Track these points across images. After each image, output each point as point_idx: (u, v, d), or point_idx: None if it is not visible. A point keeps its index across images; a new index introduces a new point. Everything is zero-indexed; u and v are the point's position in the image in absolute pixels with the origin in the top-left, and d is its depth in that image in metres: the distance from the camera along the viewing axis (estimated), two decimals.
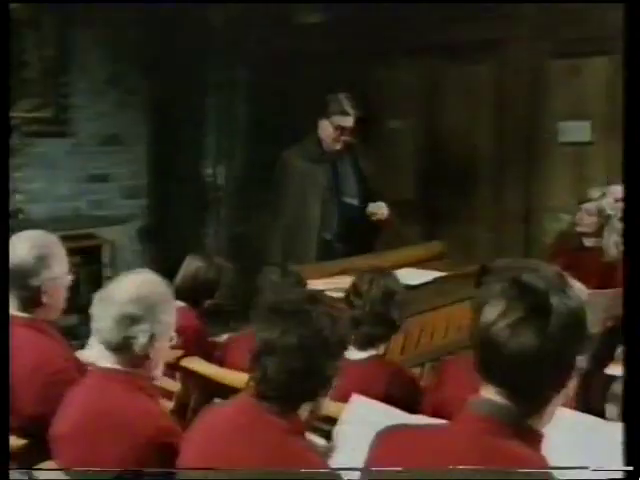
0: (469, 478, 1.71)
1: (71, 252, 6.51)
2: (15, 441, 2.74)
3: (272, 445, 2.05)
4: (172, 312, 2.53)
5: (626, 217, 2.42)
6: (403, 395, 3.05)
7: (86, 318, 2.78)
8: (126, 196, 7.23)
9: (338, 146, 4.91)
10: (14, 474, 2.48)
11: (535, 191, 6.25)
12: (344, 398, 3.01)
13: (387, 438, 1.91)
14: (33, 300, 2.91)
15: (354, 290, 3.21)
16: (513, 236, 6.31)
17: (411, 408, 2.96)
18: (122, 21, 6.85)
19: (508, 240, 6.32)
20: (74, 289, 6.72)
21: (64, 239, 6.50)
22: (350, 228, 4.94)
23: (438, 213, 6.55)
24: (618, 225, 4.76)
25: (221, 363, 3.54)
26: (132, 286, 2.49)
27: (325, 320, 2.15)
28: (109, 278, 2.96)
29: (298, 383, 2.11)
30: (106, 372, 2.48)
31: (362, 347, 3.14)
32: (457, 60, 6.51)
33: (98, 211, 7.02)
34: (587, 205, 4.78)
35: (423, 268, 4.85)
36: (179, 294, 3.86)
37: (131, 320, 2.44)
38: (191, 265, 4.01)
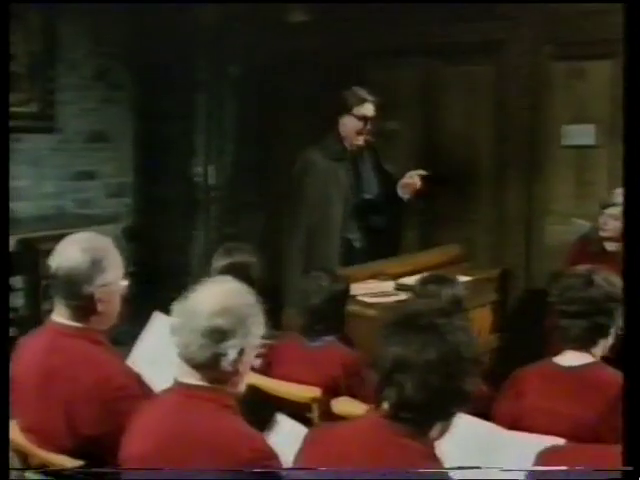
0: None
1: None
2: (69, 462, 2.50)
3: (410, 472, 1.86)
4: (262, 324, 2.30)
5: (626, 216, 2.43)
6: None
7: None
8: (112, 195, 6.93)
9: (361, 140, 4.75)
10: (14, 474, 2.38)
11: (537, 194, 6.11)
12: None
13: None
14: (87, 309, 2.63)
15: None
16: (515, 239, 6.18)
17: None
18: (110, 16, 6.57)
19: (509, 243, 6.18)
20: None
21: (52, 239, 6.23)
22: (371, 228, 4.78)
23: (438, 216, 6.38)
24: None
25: (265, 374, 3.33)
26: (220, 296, 2.24)
27: (461, 334, 1.97)
28: None
29: (437, 402, 1.93)
30: (190, 389, 2.23)
31: None
32: (457, 61, 6.35)
33: (84, 210, 6.71)
34: (611, 209, 4.66)
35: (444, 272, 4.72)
36: None
37: (221, 334, 2.19)
38: (221, 263, 3.68)
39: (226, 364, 2.20)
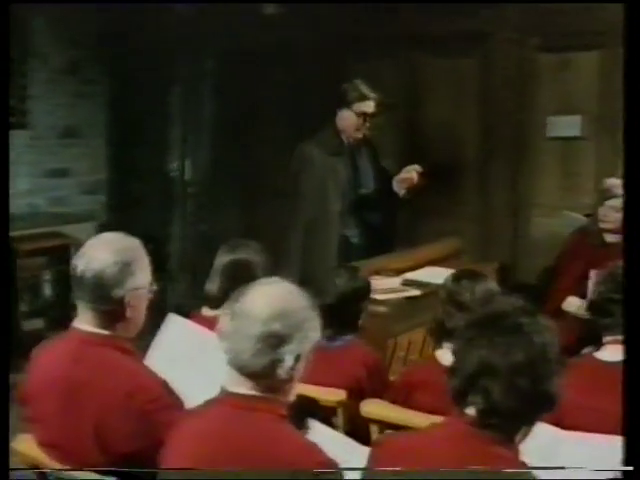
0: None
1: (36, 252, 6.02)
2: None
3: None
4: (319, 328, 2.13)
5: (626, 215, 2.40)
6: None
7: (52, 322, 2.39)
8: (87, 192, 6.68)
9: (360, 134, 4.61)
10: (14, 474, 2.28)
11: (523, 186, 6.03)
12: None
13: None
14: (115, 315, 2.42)
15: (450, 299, 2.88)
16: (501, 231, 6.09)
17: None
18: (83, 9, 6.32)
19: (496, 236, 6.09)
20: (38, 291, 6.21)
21: (29, 238, 5.98)
22: (368, 223, 4.64)
23: (424, 208, 6.25)
24: None
25: None
26: (275, 299, 2.06)
27: (547, 334, 1.85)
28: None
29: (525, 406, 1.81)
30: (241, 399, 2.05)
31: None
32: (442, 53, 6.22)
33: (58, 208, 6.46)
34: (612, 201, 4.57)
35: (442, 266, 4.61)
36: (216, 300, 3.44)
37: (278, 340, 2.02)
38: (224, 260, 3.46)
39: (282, 371, 2.03)
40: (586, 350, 4.29)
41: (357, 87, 4.60)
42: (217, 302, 3.37)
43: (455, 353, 1.92)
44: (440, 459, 1.83)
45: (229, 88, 6.82)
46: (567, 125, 5.86)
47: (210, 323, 3.26)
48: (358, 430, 2.90)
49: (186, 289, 6.76)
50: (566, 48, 5.83)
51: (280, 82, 6.68)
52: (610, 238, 4.60)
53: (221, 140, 6.92)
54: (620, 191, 4.59)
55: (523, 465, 1.83)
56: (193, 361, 2.92)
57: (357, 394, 3.05)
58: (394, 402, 2.90)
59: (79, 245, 6.39)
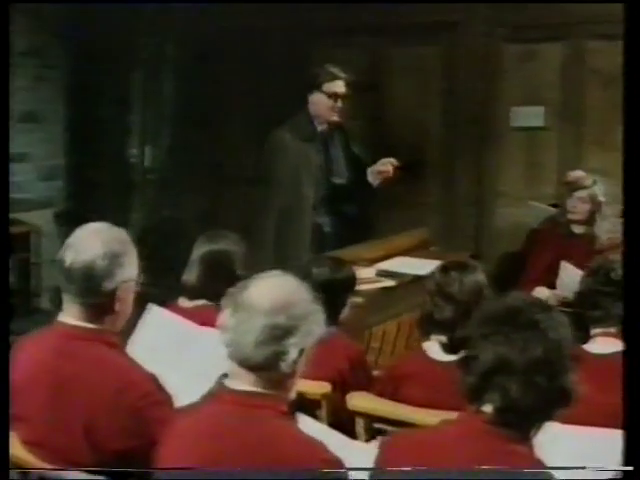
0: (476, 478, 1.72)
1: None
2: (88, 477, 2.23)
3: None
4: (322, 322, 2.08)
5: (626, 215, 2.31)
6: None
7: (13, 311, 2.30)
8: (45, 178, 6.49)
9: (334, 116, 4.54)
10: (14, 474, 2.21)
11: (487, 176, 6.04)
12: (442, 401, 2.70)
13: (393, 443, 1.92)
14: (103, 308, 2.33)
15: (439, 291, 2.84)
16: (464, 221, 6.09)
17: None
18: None
19: (459, 225, 6.09)
20: None
21: None
22: (341, 213, 4.59)
23: (388, 198, 6.22)
24: (608, 212, 4.61)
25: None
26: (279, 291, 2.01)
27: (562, 329, 1.83)
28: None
29: (542, 403, 1.80)
30: (242, 396, 1.98)
31: (453, 349, 2.80)
32: (407, 42, 6.18)
33: (15, 194, 6.27)
34: (580, 192, 4.59)
35: (411, 256, 4.58)
36: (193, 291, 3.36)
37: (283, 332, 1.96)
38: (202, 250, 3.37)
39: (285, 365, 1.97)
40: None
41: (327, 69, 4.53)
42: (195, 293, 3.31)
43: (468, 349, 1.88)
44: (456, 457, 1.79)
45: (190, 73, 6.71)
46: (531, 115, 5.89)
47: (188, 314, 3.19)
48: (342, 423, 2.85)
49: (147, 277, 6.62)
50: (531, 39, 5.85)
51: (243, 68, 6.59)
52: (578, 229, 4.63)
53: (182, 126, 6.79)
54: (588, 182, 4.63)
55: (539, 462, 1.81)
56: (175, 353, 2.85)
57: (340, 387, 2.99)
58: (381, 395, 2.85)
59: (39, 232, 6.28)
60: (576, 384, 1.84)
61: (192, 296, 3.31)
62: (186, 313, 3.18)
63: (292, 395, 2.08)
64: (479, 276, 2.88)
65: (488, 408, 1.82)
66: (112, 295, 2.32)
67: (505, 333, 1.81)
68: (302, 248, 4.31)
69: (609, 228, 4.57)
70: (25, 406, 2.33)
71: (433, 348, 2.84)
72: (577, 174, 5.35)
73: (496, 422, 1.79)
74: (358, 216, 4.70)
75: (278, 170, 4.49)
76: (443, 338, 2.81)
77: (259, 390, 1.98)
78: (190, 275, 3.33)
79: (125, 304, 2.39)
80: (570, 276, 4.31)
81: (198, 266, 3.33)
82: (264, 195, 4.57)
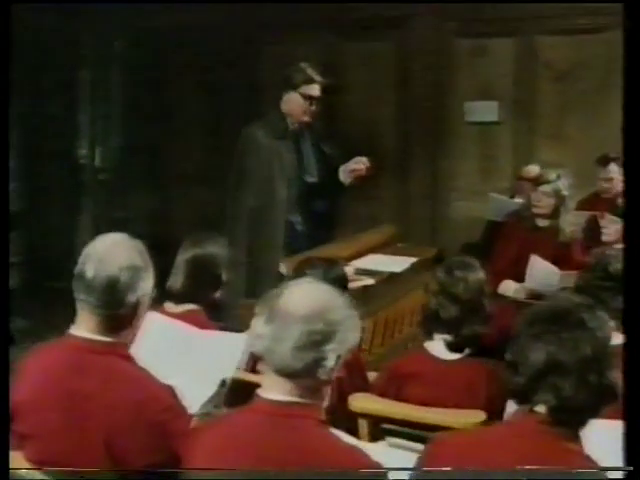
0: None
1: None
2: None
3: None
4: (358, 328, 2.05)
5: (626, 215, 2.31)
6: (501, 393, 2.77)
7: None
8: None
9: (307, 118, 4.49)
10: (14, 474, 2.14)
11: (442, 171, 6.07)
12: (447, 400, 2.70)
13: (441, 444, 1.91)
14: (123, 320, 2.24)
15: (443, 290, 2.83)
16: (420, 216, 6.11)
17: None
18: None
19: (415, 220, 6.11)
20: None
21: None
22: (312, 209, 4.55)
23: (343, 193, 6.21)
24: (572, 205, 4.68)
25: None
26: (315, 299, 1.96)
27: (606, 327, 1.85)
28: None
29: (594, 400, 1.81)
30: (279, 406, 1.93)
31: (458, 348, 2.80)
32: (357, 37, 6.17)
33: None
34: (544, 187, 4.63)
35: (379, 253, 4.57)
36: (179, 296, 3.29)
37: (321, 338, 1.92)
38: (187, 254, 3.30)
39: (323, 371, 1.93)
40: None
41: (303, 70, 4.48)
42: (181, 297, 3.24)
43: (516, 350, 1.88)
44: (511, 457, 1.79)
45: (139, 71, 6.58)
46: (485, 110, 5.93)
47: (176, 319, 3.13)
48: (339, 426, 2.82)
49: None
50: (483, 34, 5.90)
51: (193, 65, 6.49)
52: (542, 222, 4.66)
53: (132, 125, 6.65)
54: (552, 177, 4.68)
55: (590, 459, 1.82)
56: (178, 357, 2.79)
57: (338, 392, 2.97)
58: (384, 395, 2.83)
59: None
60: (619, 380, 1.86)
61: (178, 301, 3.24)
62: (174, 318, 3.12)
63: (326, 403, 2.04)
64: (480, 274, 2.88)
65: (541, 408, 1.82)
66: (133, 308, 2.25)
67: (555, 333, 1.82)
68: (276, 246, 4.25)
69: (573, 221, 4.64)
70: (37, 424, 2.23)
71: (437, 347, 2.82)
72: (531, 168, 5.45)
73: (550, 421, 1.80)
74: (329, 214, 4.67)
75: (251, 167, 4.43)
76: (448, 337, 2.80)
77: (296, 399, 1.94)
78: (175, 280, 3.26)
79: (142, 317, 2.33)
80: (540, 269, 4.37)
81: (183, 270, 3.26)
82: (236, 192, 4.50)
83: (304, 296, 1.97)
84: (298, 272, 3.18)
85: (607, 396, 1.84)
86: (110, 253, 2.23)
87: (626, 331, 2.01)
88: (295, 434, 1.92)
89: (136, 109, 6.63)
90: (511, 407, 2.49)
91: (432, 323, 2.84)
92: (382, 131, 6.24)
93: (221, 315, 3.45)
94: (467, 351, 2.82)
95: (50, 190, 6.44)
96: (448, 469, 1.86)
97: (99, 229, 6.54)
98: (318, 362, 1.91)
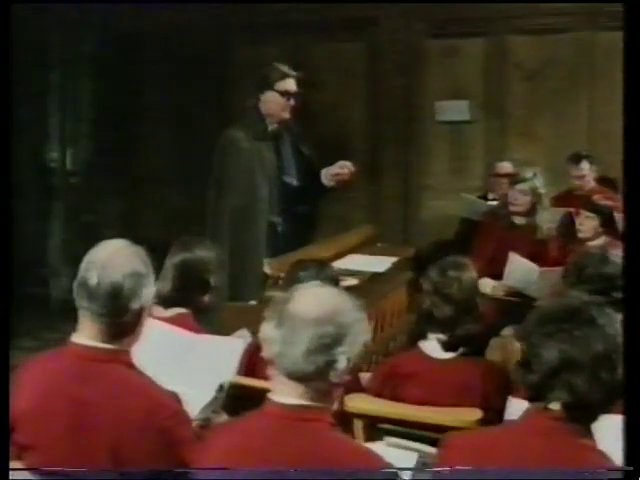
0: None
1: None
2: None
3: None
4: (368, 331, 2.05)
5: (627, 216, 2.38)
6: (497, 391, 2.80)
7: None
8: None
9: (286, 115, 4.47)
10: (14, 474, 2.11)
11: (413, 170, 6.10)
12: (443, 398, 2.72)
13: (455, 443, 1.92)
14: (125, 328, 2.21)
15: (437, 291, 2.85)
16: (392, 216, 6.13)
17: (503, 404, 2.74)
18: None
19: (387, 220, 6.13)
20: None
21: None
22: (292, 210, 4.54)
23: (324, 195, 6.20)
24: (547, 203, 4.73)
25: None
26: (325, 302, 1.96)
27: (616, 324, 1.87)
28: None
29: (606, 396, 1.83)
30: (290, 409, 1.93)
31: (453, 347, 2.83)
32: (327, 38, 6.18)
33: None
34: (521, 185, 4.67)
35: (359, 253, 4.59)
36: (168, 300, 3.27)
37: (332, 341, 1.93)
38: (176, 258, 3.28)
39: (334, 374, 1.93)
40: (506, 330, 4.42)
41: (277, 67, 4.45)
42: (170, 301, 3.21)
43: (528, 349, 1.90)
44: (527, 455, 1.81)
45: (108, 73, 6.51)
46: (455, 110, 5.97)
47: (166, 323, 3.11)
48: None
49: (70, 284, 6.42)
50: (453, 34, 5.94)
51: (162, 67, 6.45)
52: (519, 220, 4.71)
53: (103, 128, 6.59)
54: (529, 175, 4.72)
55: (603, 454, 1.84)
56: (175, 362, 2.77)
57: None
58: (378, 395, 2.83)
59: None
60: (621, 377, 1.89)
61: (167, 305, 3.21)
62: (163, 322, 3.10)
63: (335, 406, 2.05)
64: (473, 273, 2.91)
65: (555, 405, 1.84)
66: (136, 315, 2.23)
67: (568, 331, 1.84)
68: (259, 247, 4.24)
69: (549, 218, 4.70)
70: (39, 433, 2.20)
71: (431, 346, 2.84)
72: (503, 165, 5.51)
73: (564, 418, 1.82)
74: (309, 215, 4.67)
75: (232, 169, 4.39)
76: (442, 336, 2.82)
77: (308, 403, 1.94)
78: (165, 284, 3.23)
79: (143, 323, 2.31)
80: (519, 267, 4.41)
81: (172, 274, 3.23)
82: (217, 194, 4.46)
83: (314, 299, 1.97)
84: (291, 274, 3.19)
85: (618, 392, 1.87)
86: (113, 260, 2.19)
87: (626, 331, 2.04)
88: (307, 437, 1.92)
89: (106, 112, 6.56)
90: (512, 405, 2.55)
91: (426, 323, 2.85)
92: (353, 131, 6.25)
93: (209, 318, 3.44)
94: (461, 350, 2.84)
95: (19, 194, 6.34)
96: (468, 468, 1.88)
97: (70, 232, 6.51)
98: (329, 365, 1.91)
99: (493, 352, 3.68)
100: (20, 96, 6.23)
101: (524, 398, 1.95)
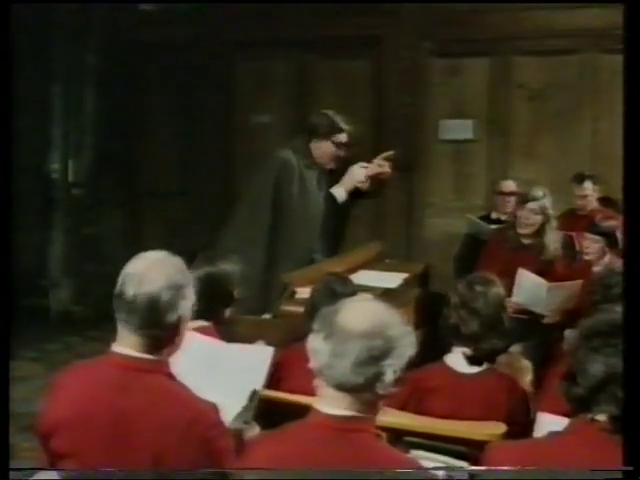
0: None
1: None
2: None
3: None
4: (414, 344, 2.10)
5: (626, 219, 2.40)
6: (520, 405, 2.86)
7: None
8: None
9: (333, 165, 4.51)
10: (14, 474, 2.16)
11: (416, 188, 6.16)
12: (467, 412, 2.76)
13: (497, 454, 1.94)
14: (164, 339, 2.22)
15: (464, 305, 2.90)
16: (395, 233, 6.17)
17: (526, 418, 2.79)
18: None
19: (390, 237, 6.16)
20: None
21: None
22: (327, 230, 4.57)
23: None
24: (554, 223, 4.77)
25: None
26: (372, 315, 2.00)
27: None
28: None
29: None
30: (338, 420, 1.99)
31: (478, 361, 2.87)
32: (333, 55, 6.23)
33: None
34: (532, 204, 4.72)
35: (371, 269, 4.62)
36: (194, 312, 3.29)
37: (380, 354, 1.97)
38: (201, 272, 3.32)
39: (381, 386, 1.97)
40: (514, 348, 4.46)
41: (334, 120, 4.45)
42: (193, 314, 3.25)
43: (574, 363, 1.95)
44: (581, 465, 1.86)
45: (111, 85, 6.54)
46: (459, 128, 6.04)
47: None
48: None
49: (70, 295, 6.43)
50: (457, 54, 6.01)
51: (165, 79, 6.48)
52: (527, 240, 4.75)
53: (105, 139, 6.61)
54: (539, 194, 4.77)
55: None
56: (207, 371, 2.80)
57: None
58: (403, 409, 2.86)
59: None
60: None
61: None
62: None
63: (379, 417, 2.09)
64: (500, 289, 2.96)
65: (601, 417, 1.89)
66: (174, 327, 2.25)
67: (614, 345, 1.89)
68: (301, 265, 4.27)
69: (556, 238, 4.75)
70: (77, 442, 2.21)
71: (456, 360, 2.88)
72: (507, 184, 5.56)
73: (611, 429, 1.87)
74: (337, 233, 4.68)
75: (286, 191, 4.41)
76: (467, 350, 2.87)
77: (354, 414, 1.98)
78: None
79: (183, 334, 2.33)
80: (528, 283, 4.45)
81: (196, 287, 3.27)
82: (256, 212, 4.47)
83: (363, 313, 2.00)
84: (319, 288, 3.25)
85: None
86: (151, 272, 2.20)
87: (626, 330, 2.08)
88: (354, 448, 1.95)
89: (109, 124, 6.58)
90: (542, 420, 2.59)
91: (452, 337, 2.90)
92: (356, 149, 6.28)
93: (229, 331, 3.48)
94: (486, 364, 2.89)
95: (20, 206, 6.35)
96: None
97: (71, 244, 6.51)
98: (377, 377, 1.95)
99: (501, 369, 3.73)
100: (23, 107, 6.27)
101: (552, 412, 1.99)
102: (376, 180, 4.56)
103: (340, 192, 4.50)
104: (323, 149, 4.46)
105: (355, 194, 4.57)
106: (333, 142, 4.44)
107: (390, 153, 4.56)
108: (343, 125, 4.47)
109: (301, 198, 4.39)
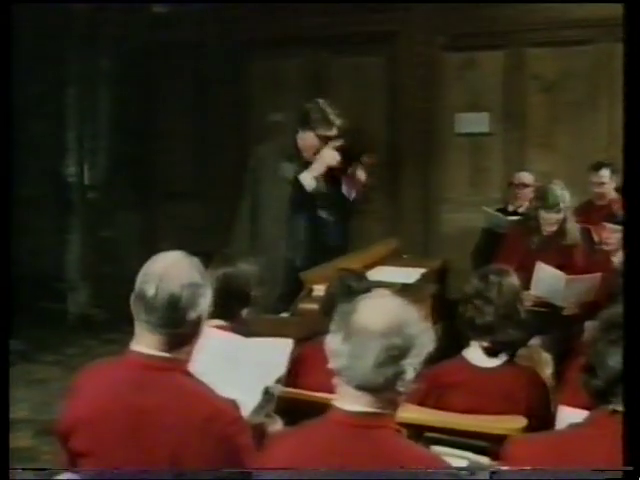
0: None
1: None
2: None
3: None
4: (433, 341, 2.09)
5: (626, 218, 2.39)
6: (541, 398, 2.84)
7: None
8: None
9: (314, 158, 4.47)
10: (14, 474, 2.17)
11: (433, 183, 6.14)
12: (487, 407, 2.75)
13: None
14: (184, 337, 2.24)
15: (479, 296, 2.89)
16: (411, 229, 6.16)
17: (547, 411, 2.78)
18: None
19: (407, 233, 6.15)
20: None
21: None
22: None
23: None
24: (571, 216, 4.74)
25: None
26: (391, 313, 1.99)
27: None
28: None
29: None
30: (359, 417, 1.99)
31: (495, 353, 2.86)
32: (347, 52, 6.23)
33: None
34: (551, 213, 4.69)
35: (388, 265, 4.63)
36: (212, 311, 3.31)
37: (400, 352, 1.96)
38: (218, 272, 3.34)
39: (402, 384, 1.97)
40: (534, 341, 4.44)
41: (323, 110, 4.38)
42: (209, 313, 3.26)
43: (593, 356, 1.94)
44: (596, 457, 1.85)
45: (125, 88, 6.57)
46: (475, 121, 6.02)
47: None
48: None
49: (88, 298, 6.47)
50: (471, 47, 6.00)
51: (178, 81, 6.50)
52: (547, 232, 4.73)
53: (120, 142, 6.64)
54: (557, 192, 4.72)
55: None
56: (227, 366, 2.81)
57: None
58: (422, 404, 2.86)
59: None
60: None
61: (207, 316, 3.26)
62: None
63: (398, 414, 2.09)
64: (514, 279, 2.95)
65: (621, 408, 1.88)
66: (194, 325, 2.27)
67: None
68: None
69: (576, 226, 4.73)
70: (97, 441, 2.22)
71: (474, 355, 2.87)
72: (522, 175, 5.54)
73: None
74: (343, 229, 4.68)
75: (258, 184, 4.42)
76: (484, 343, 2.86)
77: (374, 410, 1.98)
78: None
79: (201, 333, 2.34)
80: (546, 275, 4.44)
81: (213, 287, 3.28)
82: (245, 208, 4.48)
83: (380, 311, 1.98)
84: (334, 284, 3.25)
85: None
86: (170, 271, 2.21)
87: (626, 330, 2.07)
88: (374, 444, 1.94)
89: (123, 126, 6.61)
90: (563, 412, 2.58)
91: (469, 330, 2.89)
92: (373, 145, 6.28)
93: (245, 331, 3.48)
94: (504, 358, 2.88)
95: (37, 209, 6.39)
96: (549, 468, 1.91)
97: (88, 247, 6.54)
98: (397, 376, 1.93)
99: (521, 362, 3.72)
100: (38, 111, 6.32)
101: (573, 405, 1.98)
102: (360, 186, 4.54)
103: (306, 177, 4.39)
104: (307, 141, 4.38)
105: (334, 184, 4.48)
106: (317, 135, 4.34)
107: (370, 159, 4.54)
108: (333, 118, 4.35)
109: (272, 190, 4.35)
